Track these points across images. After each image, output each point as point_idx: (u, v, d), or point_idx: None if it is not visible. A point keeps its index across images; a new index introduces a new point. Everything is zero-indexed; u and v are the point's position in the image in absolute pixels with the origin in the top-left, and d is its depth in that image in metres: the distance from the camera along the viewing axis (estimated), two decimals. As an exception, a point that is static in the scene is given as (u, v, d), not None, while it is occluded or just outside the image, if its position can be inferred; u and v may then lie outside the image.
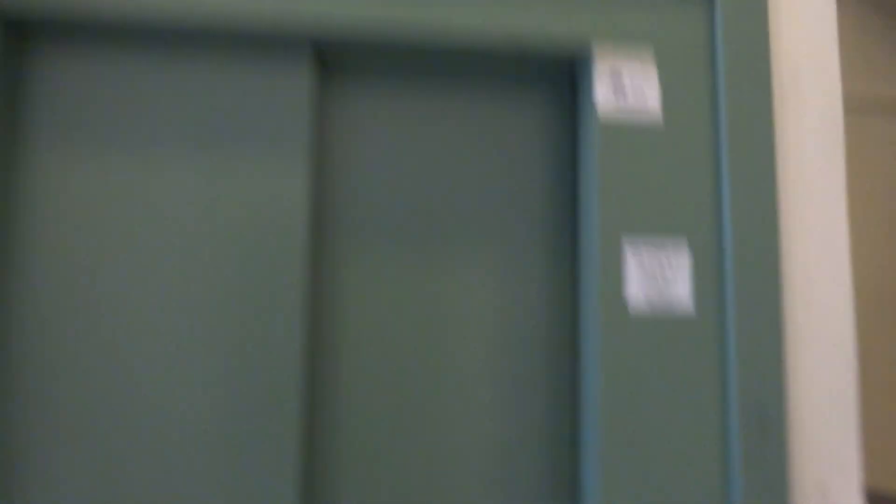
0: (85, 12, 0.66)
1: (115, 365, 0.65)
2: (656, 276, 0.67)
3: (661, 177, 0.69)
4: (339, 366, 0.70)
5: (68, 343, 0.66)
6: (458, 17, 0.70)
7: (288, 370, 0.65)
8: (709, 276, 0.69)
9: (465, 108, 0.77)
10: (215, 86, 0.71)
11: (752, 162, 0.71)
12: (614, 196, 0.68)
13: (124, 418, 0.65)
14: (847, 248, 0.76)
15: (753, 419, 0.66)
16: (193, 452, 0.64)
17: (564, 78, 0.79)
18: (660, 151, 0.70)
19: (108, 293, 0.67)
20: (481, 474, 0.71)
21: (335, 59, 0.75)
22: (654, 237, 0.68)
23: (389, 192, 0.74)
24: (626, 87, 0.71)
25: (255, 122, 0.70)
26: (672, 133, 0.71)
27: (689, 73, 0.73)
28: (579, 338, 0.73)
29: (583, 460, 0.69)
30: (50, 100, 0.69)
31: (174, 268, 0.67)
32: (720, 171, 0.71)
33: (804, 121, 0.76)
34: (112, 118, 0.69)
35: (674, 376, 0.67)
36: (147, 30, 0.69)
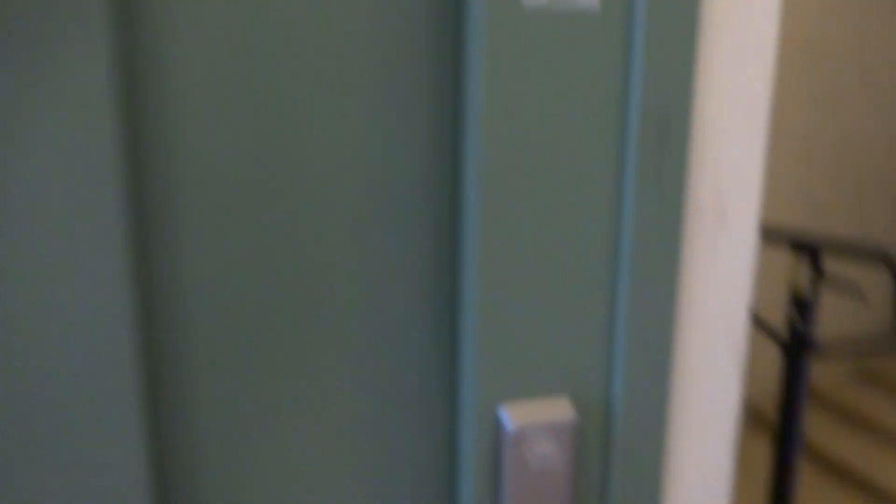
0: None
1: None
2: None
3: None
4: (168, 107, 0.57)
5: None
6: None
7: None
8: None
9: None
10: None
11: None
12: None
13: None
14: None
15: (653, 129, 0.58)
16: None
17: None
18: None
19: None
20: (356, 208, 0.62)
21: None
22: None
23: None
24: None
25: None
26: None
27: None
28: (465, 39, 0.62)
29: (463, 174, 0.61)
30: None
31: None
32: None
33: None
34: None
35: (568, 78, 0.58)
36: None
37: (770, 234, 2.00)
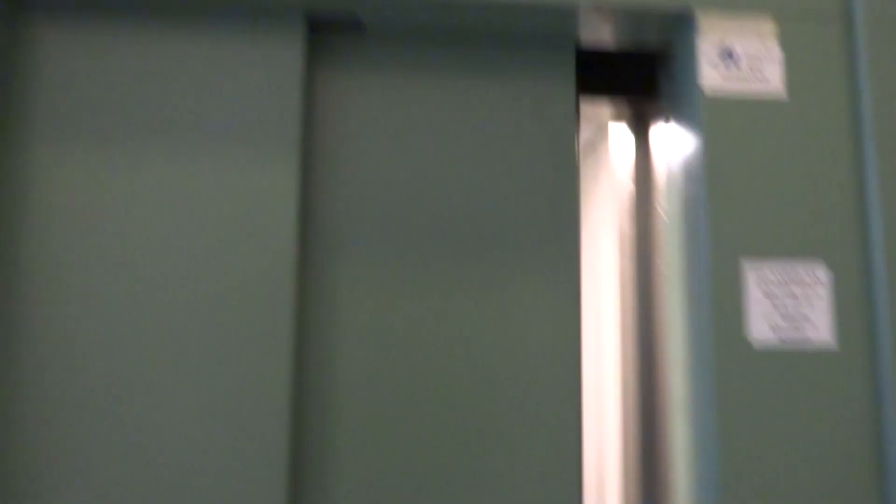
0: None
1: (105, 361, 0.57)
2: (786, 306, 0.53)
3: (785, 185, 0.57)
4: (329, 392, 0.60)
5: (60, 337, 0.57)
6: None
7: (273, 392, 0.56)
8: (853, 305, 0.54)
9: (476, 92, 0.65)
10: (203, 73, 0.61)
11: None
12: (726, 212, 0.57)
13: (113, 413, 0.56)
14: None
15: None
16: (183, 453, 0.56)
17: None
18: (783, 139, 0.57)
19: (97, 290, 0.58)
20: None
21: (329, 38, 0.64)
22: (782, 260, 0.55)
23: (387, 192, 0.62)
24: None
25: (245, 115, 0.60)
26: (799, 116, 0.57)
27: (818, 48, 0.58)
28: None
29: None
30: (47, 86, 0.59)
31: (161, 267, 0.58)
32: (864, 173, 0.56)
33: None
34: (106, 107, 0.60)
35: (810, 418, 0.52)
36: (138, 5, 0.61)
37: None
